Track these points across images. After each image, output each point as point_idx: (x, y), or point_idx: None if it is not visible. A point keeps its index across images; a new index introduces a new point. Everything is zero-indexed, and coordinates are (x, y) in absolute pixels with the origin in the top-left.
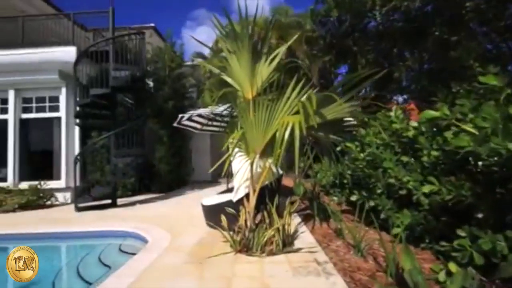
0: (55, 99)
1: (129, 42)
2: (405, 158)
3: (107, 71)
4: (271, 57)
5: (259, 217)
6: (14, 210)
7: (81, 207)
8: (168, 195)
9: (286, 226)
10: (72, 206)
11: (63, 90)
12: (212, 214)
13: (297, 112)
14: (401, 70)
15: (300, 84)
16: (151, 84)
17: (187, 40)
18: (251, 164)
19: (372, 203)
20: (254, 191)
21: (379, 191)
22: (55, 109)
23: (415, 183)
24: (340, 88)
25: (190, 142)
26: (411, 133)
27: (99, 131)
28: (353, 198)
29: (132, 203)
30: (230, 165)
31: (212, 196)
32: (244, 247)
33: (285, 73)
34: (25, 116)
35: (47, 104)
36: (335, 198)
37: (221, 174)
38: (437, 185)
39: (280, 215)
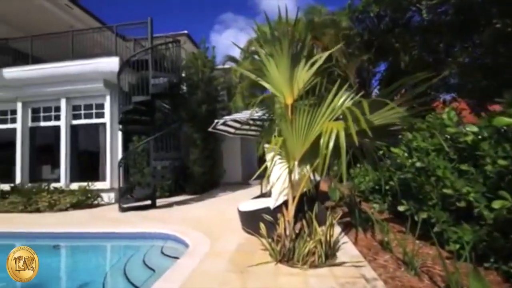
0: (101, 106)
1: (166, 50)
2: (464, 167)
3: (147, 78)
4: (311, 61)
5: (298, 226)
6: (66, 209)
7: (125, 208)
8: (202, 196)
9: (328, 238)
10: (116, 206)
11: (108, 97)
12: (249, 220)
13: (339, 118)
14: (451, 66)
15: (344, 89)
16: (185, 89)
17: (215, 43)
18: (290, 171)
19: (424, 215)
20: (294, 199)
21: (432, 202)
22: (101, 115)
23: (476, 195)
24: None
25: (221, 145)
26: (470, 139)
27: (139, 135)
28: (401, 208)
29: (170, 205)
30: (266, 170)
31: (247, 201)
32: (285, 257)
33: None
34: (75, 122)
35: (93, 111)
36: (376, 206)
37: (251, 176)
38: (510, 201)
39: (319, 223)
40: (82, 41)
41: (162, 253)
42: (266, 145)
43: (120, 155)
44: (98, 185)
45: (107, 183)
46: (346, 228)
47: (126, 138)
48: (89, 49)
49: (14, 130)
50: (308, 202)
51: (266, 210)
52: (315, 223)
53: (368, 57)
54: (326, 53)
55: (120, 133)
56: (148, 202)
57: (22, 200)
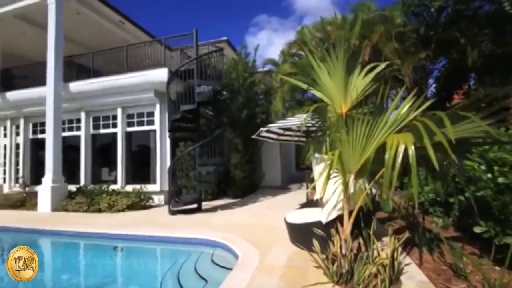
0: (151, 114)
1: (209, 59)
2: None
3: (192, 87)
4: (368, 66)
5: (355, 244)
6: (123, 210)
7: (174, 211)
8: (244, 201)
9: (393, 261)
10: (166, 208)
11: (157, 106)
12: (298, 233)
13: (403, 128)
14: None
15: (411, 96)
16: (226, 94)
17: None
18: (345, 185)
19: (509, 240)
20: (350, 215)
21: None
22: (151, 122)
23: None
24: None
25: (261, 148)
26: None
27: (185, 141)
28: (478, 229)
29: (214, 208)
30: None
31: (294, 211)
32: (342, 278)
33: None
34: (129, 129)
35: (145, 119)
36: (438, 221)
37: (290, 180)
38: None
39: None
40: (134, 54)
41: (213, 261)
42: (317, 155)
43: (168, 160)
44: (149, 187)
45: (157, 186)
46: (407, 245)
47: (174, 144)
48: (140, 61)
49: (79, 136)
50: (365, 218)
51: (318, 224)
52: (377, 244)
53: (426, 54)
54: (382, 65)
55: (168, 139)
56: (194, 205)
57: (86, 201)
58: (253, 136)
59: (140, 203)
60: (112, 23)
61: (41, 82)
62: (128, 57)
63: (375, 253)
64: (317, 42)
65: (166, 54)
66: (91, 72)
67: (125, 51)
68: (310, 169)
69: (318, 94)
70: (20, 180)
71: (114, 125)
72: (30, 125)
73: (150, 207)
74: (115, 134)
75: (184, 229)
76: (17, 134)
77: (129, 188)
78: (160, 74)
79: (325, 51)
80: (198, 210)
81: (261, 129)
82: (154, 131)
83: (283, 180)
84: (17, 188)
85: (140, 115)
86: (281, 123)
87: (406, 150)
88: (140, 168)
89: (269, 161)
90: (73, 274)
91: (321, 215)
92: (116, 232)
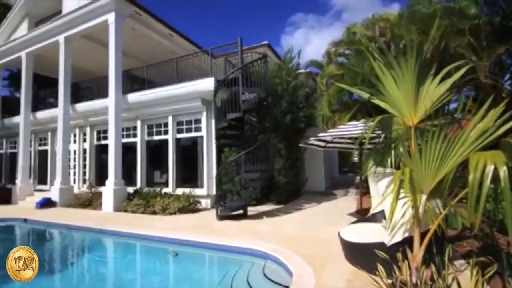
0: (198, 121)
1: (253, 66)
2: None
3: (237, 94)
4: (444, 71)
5: (428, 273)
6: (175, 213)
7: (221, 216)
8: (288, 207)
9: None
10: (212, 212)
11: (204, 113)
12: (356, 253)
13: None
14: None
15: (503, 105)
16: (269, 99)
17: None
18: (416, 205)
19: None
20: (421, 240)
21: None
22: (198, 129)
23: None
24: None
25: (304, 153)
26: None
27: (230, 147)
28: None
29: (259, 215)
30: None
31: (348, 225)
32: None
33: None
34: (178, 136)
35: (192, 126)
36: None
37: (334, 186)
38: None
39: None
40: (182, 65)
41: (265, 275)
42: (379, 169)
43: (214, 165)
44: (197, 191)
45: (204, 190)
46: (483, 269)
47: (219, 149)
48: (188, 70)
49: (135, 143)
50: (436, 242)
51: (380, 245)
52: (456, 276)
53: (506, 48)
54: (462, 69)
55: (214, 145)
56: (240, 211)
57: (143, 203)
58: (301, 145)
59: (189, 206)
60: (162, 36)
61: (104, 94)
62: (178, 68)
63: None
64: (367, 41)
65: (211, 61)
66: (145, 84)
67: (175, 62)
68: (355, 172)
69: (382, 104)
70: (87, 182)
71: (166, 132)
72: (95, 132)
73: (198, 210)
74: (166, 140)
75: (233, 237)
76: (84, 140)
77: (179, 191)
78: (207, 84)
79: (378, 50)
80: (244, 216)
81: (310, 138)
82: (201, 137)
83: (327, 185)
84: (84, 189)
85: (188, 122)
86: (334, 132)
87: (495, 169)
88: (189, 173)
89: (312, 165)
90: (130, 275)
91: (383, 234)
92: (172, 236)
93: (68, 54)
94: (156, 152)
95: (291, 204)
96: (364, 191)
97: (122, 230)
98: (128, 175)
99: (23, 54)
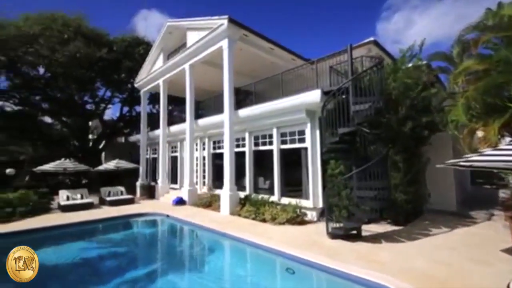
0: (302, 132)
1: (367, 74)
2: None
3: (346, 104)
4: None
5: None
6: (284, 223)
7: (332, 234)
8: (409, 230)
9: None
10: (320, 226)
11: (308, 125)
12: None
13: None
14: None
15: None
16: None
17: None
18: None
19: None
20: None
21: None
22: (302, 140)
23: None
24: None
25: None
26: None
27: (337, 160)
28: None
29: (376, 237)
30: None
31: None
32: None
33: None
34: (282, 146)
35: (296, 137)
36: None
37: (467, 202)
38: None
39: None
40: (286, 77)
41: None
42: None
43: (319, 177)
44: (302, 203)
45: (310, 202)
46: None
47: (324, 161)
48: (291, 81)
49: (244, 152)
50: None
51: None
52: None
53: None
54: None
55: (319, 156)
56: (354, 231)
57: (253, 210)
58: (440, 165)
59: (297, 218)
60: (263, 50)
61: (218, 110)
62: (282, 82)
63: None
64: None
65: (316, 72)
66: (253, 99)
67: (280, 77)
68: (495, 185)
69: None
70: (206, 185)
71: (271, 143)
72: (211, 143)
73: (304, 222)
74: (271, 151)
75: (352, 263)
76: (203, 149)
77: (284, 200)
78: (313, 96)
79: None
80: (358, 236)
81: (457, 160)
82: (306, 148)
83: (459, 202)
84: (204, 190)
85: (292, 133)
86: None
87: None
88: (293, 183)
89: (436, 175)
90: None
91: None
92: (288, 251)
93: (192, 78)
94: (261, 160)
95: (412, 227)
96: None
97: (243, 237)
98: (237, 180)
99: (160, 81)
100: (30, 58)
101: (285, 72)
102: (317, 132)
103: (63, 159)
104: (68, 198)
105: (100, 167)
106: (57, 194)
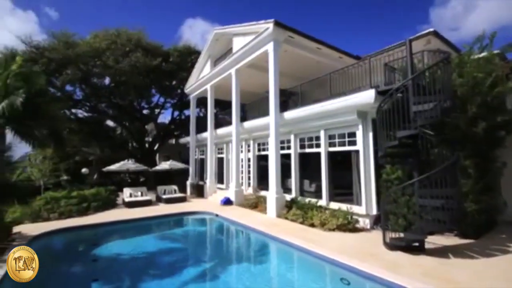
0: (353, 134)
1: (431, 70)
2: None
3: (407, 103)
4: None
5: None
6: (334, 230)
7: (391, 245)
8: (483, 245)
9: None
10: (374, 234)
11: (360, 126)
12: None
13: None
14: None
15: None
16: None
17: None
18: None
19: None
20: None
21: None
22: (353, 143)
23: None
24: None
25: (503, 169)
26: None
27: (393, 164)
28: None
29: (442, 251)
30: None
31: None
32: None
33: None
34: (331, 149)
35: (346, 139)
36: None
37: None
38: None
39: None
40: (335, 77)
41: None
42: None
43: (373, 182)
44: (354, 209)
45: (362, 209)
46: None
47: (378, 165)
48: (336, 81)
49: (289, 155)
50: None
51: None
52: None
53: None
54: None
55: (372, 160)
56: (416, 244)
57: (301, 213)
58: None
59: (348, 225)
60: (309, 50)
61: (262, 112)
62: (331, 83)
63: None
64: None
65: (370, 71)
66: (298, 100)
67: (328, 77)
68: None
69: None
70: (251, 186)
71: (317, 145)
72: (256, 145)
73: (356, 230)
74: (318, 153)
75: (418, 280)
76: (248, 151)
77: (333, 205)
78: (366, 96)
79: None
80: (420, 249)
81: None
82: (357, 151)
83: None
84: (250, 191)
85: (341, 135)
86: None
87: None
88: (342, 187)
89: None
90: None
91: None
92: (342, 261)
93: (238, 82)
94: (307, 163)
95: (485, 240)
96: None
97: (294, 242)
98: (285, 183)
99: (208, 86)
100: (98, 70)
101: (334, 72)
102: (370, 134)
103: (126, 160)
104: (130, 195)
105: (157, 167)
106: (120, 190)
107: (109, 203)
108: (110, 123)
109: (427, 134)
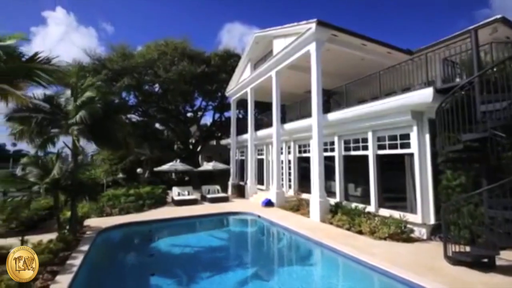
0: (406, 136)
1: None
2: None
3: (473, 101)
4: None
5: None
6: (385, 239)
7: (455, 259)
8: None
9: None
10: (432, 245)
11: (414, 128)
12: None
13: None
14: None
15: None
16: None
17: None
18: None
19: None
20: None
21: None
22: (406, 146)
23: None
24: None
25: None
26: None
27: (455, 169)
28: None
29: None
30: None
31: None
32: None
33: None
34: (380, 152)
35: (398, 142)
36: None
37: None
38: None
39: None
40: (385, 76)
41: None
42: None
43: (430, 188)
44: (408, 217)
45: (417, 217)
46: None
47: (436, 170)
48: (384, 78)
49: (332, 157)
50: None
51: None
52: None
53: None
54: None
55: (429, 164)
56: (485, 259)
57: (347, 219)
58: None
59: (401, 234)
60: (353, 47)
61: (303, 113)
62: (380, 83)
63: None
64: None
65: (426, 67)
66: (344, 100)
67: (377, 76)
68: None
69: None
70: (292, 188)
71: (364, 148)
72: (297, 146)
73: (411, 240)
74: (365, 156)
75: None
76: (289, 153)
77: (382, 212)
78: (423, 95)
79: None
80: (490, 266)
81: None
82: (411, 155)
83: None
84: (290, 193)
85: (392, 137)
86: None
87: None
88: (394, 193)
89: None
90: None
91: None
92: (399, 274)
93: (278, 84)
94: (352, 166)
95: None
96: None
97: (342, 250)
98: (327, 186)
99: (248, 89)
100: (149, 78)
101: (384, 71)
102: (427, 136)
103: (174, 161)
104: (179, 194)
105: (202, 168)
106: (169, 189)
107: (161, 201)
108: (157, 125)
109: (498, 136)
